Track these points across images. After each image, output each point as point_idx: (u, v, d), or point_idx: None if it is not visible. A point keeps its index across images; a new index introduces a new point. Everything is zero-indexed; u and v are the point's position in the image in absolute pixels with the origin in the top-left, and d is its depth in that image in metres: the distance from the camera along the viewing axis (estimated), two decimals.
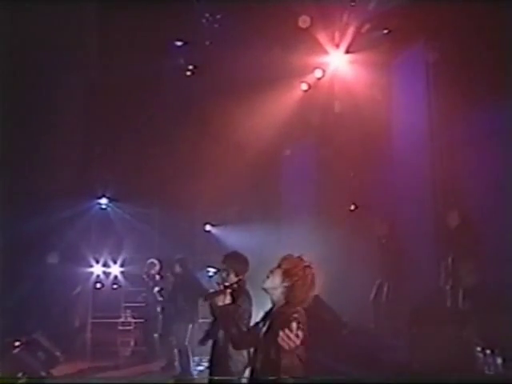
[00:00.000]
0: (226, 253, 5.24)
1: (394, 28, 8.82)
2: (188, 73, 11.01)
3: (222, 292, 4.13)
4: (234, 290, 4.24)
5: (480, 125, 7.93)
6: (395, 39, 8.92)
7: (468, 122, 8.19)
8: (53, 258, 10.64)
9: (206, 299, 4.61)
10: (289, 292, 3.32)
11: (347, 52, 9.55)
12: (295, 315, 3.17)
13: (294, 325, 3.02)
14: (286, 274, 3.34)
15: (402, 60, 9.31)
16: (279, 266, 3.42)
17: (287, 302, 3.32)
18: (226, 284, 4.37)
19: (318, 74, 10.25)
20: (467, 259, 7.29)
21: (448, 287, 7.44)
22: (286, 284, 3.33)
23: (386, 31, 8.91)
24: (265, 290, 3.46)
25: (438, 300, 7.59)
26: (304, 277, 3.33)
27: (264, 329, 3.43)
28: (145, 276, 10.45)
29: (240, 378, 4.67)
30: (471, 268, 7.22)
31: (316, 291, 3.43)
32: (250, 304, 4.80)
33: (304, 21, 8.84)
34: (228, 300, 4.04)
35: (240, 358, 4.66)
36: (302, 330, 3.08)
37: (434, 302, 7.64)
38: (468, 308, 6.93)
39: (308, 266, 3.39)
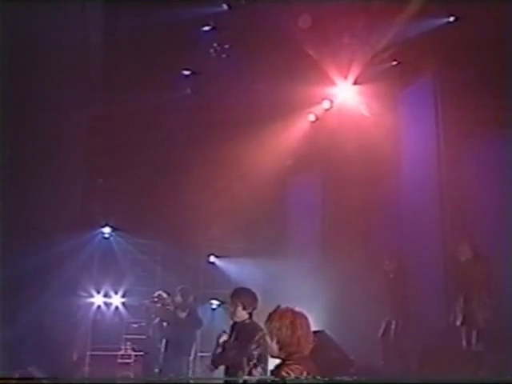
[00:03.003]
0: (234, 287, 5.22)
1: (402, 59, 8.83)
2: (194, 102, 10.97)
3: None
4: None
5: (489, 157, 7.83)
6: (404, 70, 8.92)
7: (477, 153, 8.08)
8: (54, 289, 10.40)
9: None
10: (283, 345, 3.23)
11: (355, 83, 9.55)
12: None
13: None
14: (270, 332, 3.27)
15: (411, 91, 9.28)
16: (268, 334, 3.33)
17: (292, 354, 3.20)
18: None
19: (325, 105, 10.26)
20: (479, 295, 7.06)
21: (459, 324, 7.18)
22: (275, 340, 3.24)
23: (394, 63, 8.92)
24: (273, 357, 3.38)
25: (449, 338, 7.33)
26: (282, 324, 3.23)
27: None
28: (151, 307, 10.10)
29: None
30: (483, 304, 6.99)
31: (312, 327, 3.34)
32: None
33: (312, 50, 8.86)
34: None
35: None
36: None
37: (445, 340, 7.37)
38: (482, 347, 6.67)
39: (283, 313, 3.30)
